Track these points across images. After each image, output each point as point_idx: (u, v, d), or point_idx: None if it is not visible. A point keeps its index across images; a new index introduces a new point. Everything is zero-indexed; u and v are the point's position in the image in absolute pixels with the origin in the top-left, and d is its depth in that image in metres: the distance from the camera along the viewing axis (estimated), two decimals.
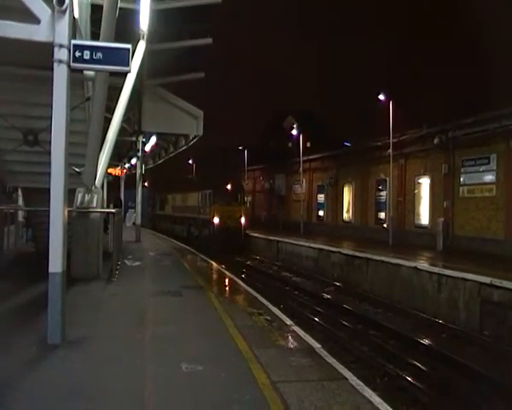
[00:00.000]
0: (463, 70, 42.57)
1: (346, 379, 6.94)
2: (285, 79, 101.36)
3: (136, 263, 18.79)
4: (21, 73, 11.40)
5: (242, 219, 35.87)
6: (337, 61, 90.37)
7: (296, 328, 9.91)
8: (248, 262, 30.47)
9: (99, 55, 8.00)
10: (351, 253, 23.04)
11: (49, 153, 7.81)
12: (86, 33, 12.23)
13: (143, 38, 17.28)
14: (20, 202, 22.02)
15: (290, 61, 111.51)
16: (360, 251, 22.75)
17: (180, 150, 32.47)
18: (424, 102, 41.23)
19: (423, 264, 18.58)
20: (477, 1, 35.59)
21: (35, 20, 7.64)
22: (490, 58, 36.08)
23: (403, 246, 25.85)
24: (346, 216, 37.53)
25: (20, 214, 23.95)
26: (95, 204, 14.65)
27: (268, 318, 10.58)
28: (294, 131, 43.89)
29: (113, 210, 18.30)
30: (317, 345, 8.63)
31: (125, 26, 14.40)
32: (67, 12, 7.69)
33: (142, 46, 17.22)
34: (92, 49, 8.02)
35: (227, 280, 16.93)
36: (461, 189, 24.97)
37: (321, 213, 41.22)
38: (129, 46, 8.33)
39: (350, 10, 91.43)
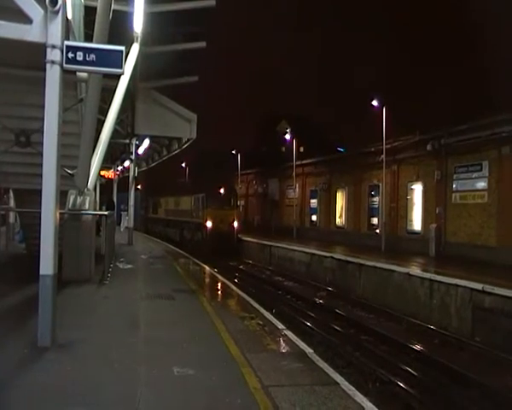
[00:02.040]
0: (462, 68, 42.72)
1: (338, 384, 6.91)
2: (280, 80, 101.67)
3: (129, 266, 18.72)
4: (13, 73, 11.35)
5: (235, 224, 35.85)
6: (335, 63, 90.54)
7: (288, 332, 9.88)
8: (241, 266, 30.44)
9: (92, 56, 7.95)
10: (343, 258, 23.04)
11: (42, 154, 7.76)
12: (79, 35, 12.18)
13: (137, 40, 17.24)
14: (12, 203, 21.92)
15: (286, 63, 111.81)
16: (353, 256, 22.76)
17: (173, 154, 32.39)
18: (423, 104, 41.42)
19: (415, 270, 18.60)
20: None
21: (27, 21, 7.60)
22: (490, 58, 36.20)
23: (395, 252, 25.88)
24: (338, 221, 37.52)
25: (12, 216, 23.84)
26: (87, 206, 14.60)
27: (260, 322, 10.55)
28: (288, 136, 43.94)
29: (106, 212, 18.24)
30: (309, 350, 8.60)
31: (118, 28, 14.34)
32: (60, 13, 7.65)
33: (135, 48, 17.18)
34: (85, 50, 7.97)
35: (219, 284, 16.89)
36: (453, 195, 25.01)
37: (314, 218, 41.20)
38: (122, 48, 8.29)
39: (350, 10, 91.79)
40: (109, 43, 10.05)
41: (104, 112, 16.55)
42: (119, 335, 8.90)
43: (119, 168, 37.60)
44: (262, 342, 8.96)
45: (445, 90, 42.24)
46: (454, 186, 24.96)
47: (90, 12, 12.40)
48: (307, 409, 5.97)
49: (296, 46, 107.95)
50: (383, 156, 28.29)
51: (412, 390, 10.02)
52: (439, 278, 16.51)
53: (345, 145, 42.94)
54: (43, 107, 7.72)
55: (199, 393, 6.36)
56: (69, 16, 9.03)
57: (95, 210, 16.24)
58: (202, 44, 20.67)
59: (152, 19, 17.24)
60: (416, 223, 28.35)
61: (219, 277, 18.68)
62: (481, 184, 23.38)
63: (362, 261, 21.30)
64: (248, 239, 36.05)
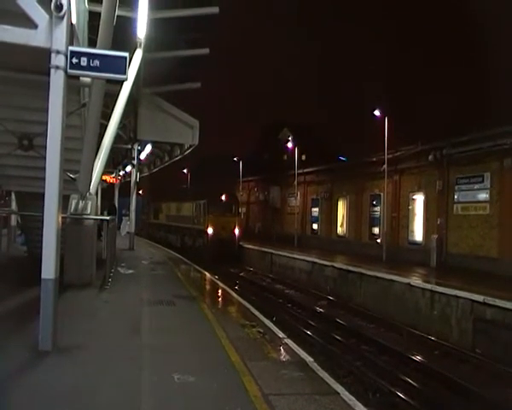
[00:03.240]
0: (463, 69, 42.63)
1: (338, 394, 6.89)
2: (282, 87, 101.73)
3: (130, 271, 18.70)
4: (17, 77, 11.36)
5: (236, 231, 35.88)
6: (336, 70, 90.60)
7: (289, 341, 9.86)
8: (242, 274, 30.43)
9: (96, 62, 7.99)
10: (344, 267, 23.01)
11: (44, 158, 7.77)
12: (83, 40, 12.21)
13: (140, 46, 17.28)
14: (14, 206, 21.93)
15: (288, 70, 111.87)
16: (354, 266, 22.72)
17: (175, 159, 32.43)
18: (424, 104, 41.34)
19: (416, 280, 18.56)
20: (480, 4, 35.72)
21: (32, 26, 7.62)
22: (491, 61, 36.13)
23: (396, 262, 25.80)
24: (340, 230, 37.45)
25: (14, 219, 23.84)
26: (89, 211, 14.60)
27: (261, 330, 10.53)
28: (290, 144, 43.93)
29: (107, 217, 18.23)
30: (309, 359, 8.58)
31: (122, 34, 14.37)
32: (65, 18, 7.68)
33: (138, 54, 17.21)
34: (89, 56, 8.00)
35: (220, 291, 16.89)
36: (455, 206, 24.97)
37: (315, 226, 41.11)
38: (126, 54, 8.32)
39: (350, 12, 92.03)
40: (113, 48, 10.08)
41: (107, 117, 16.56)
42: (119, 340, 8.88)
43: (121, 173, 37.62)
44: (262, 350, 8.94)
45: (447, 90, 42.26)
46: (456, 197, 24.92)
47: (94, 17, 12.44)
48: None
49: (296, 48, 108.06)
50: (385, 166, 28.27)
51: (412, 401, 9.99)
52: (440, 289, 16.47)
53: (346, 153, 42.89)
54: (46, 111, 7.73)
55: (199, 400, 6.34)
56: (73, 21, 9.05)
57: (96, 215, 16.23)
58: (205, 51, 20.72)
59: (155, 25, 17.29)
60: (418, 233, 28.30)
61: (220, 283, 18.67)
62: (483, 196, 23.34)
63: (363, 271, 21.27)
64: (249, 246, 36.01)
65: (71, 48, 7.88)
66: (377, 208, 32.03)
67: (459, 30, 44.25)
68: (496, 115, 24.47)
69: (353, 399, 6.77)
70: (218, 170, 58.32)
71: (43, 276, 7.64)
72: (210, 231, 34.85)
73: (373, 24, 78.28)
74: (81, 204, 14.52)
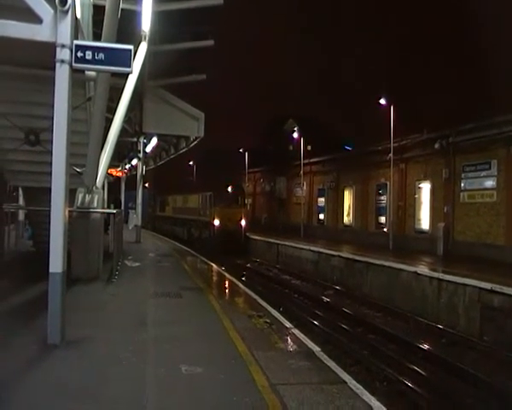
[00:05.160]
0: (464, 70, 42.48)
1: (346, 383, 6.92)
2: (286, 80, 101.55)
3: (136, 264, 18.77)
4: (23, 72, 11.41)
5: (243, 222, 35.90)
6: (339, 62, 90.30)
7: (296, 331, 9.91)
8: (248, 265, 30.44)
9: (101, 55, 8.01)
10: (351, 257, 23.01)
11: (51, 152, 7.80)
12: (88, 34, 12.23)
13: (145, 39, 17.26)
14: (21, 201, 22.03)
15: (292, 63, 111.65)
16: (360, 255, 22.73)
17: (181, 152, 32.44)
18: (428, 102, 41.17)
19: (423, 269, 18.55)
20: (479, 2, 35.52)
21: (37, 20, 7.64)
22: (491, 58, 35.89)
23: (403, 251, 25.82)
24: (346, 220, 37.43)
25: (21, 214, 23.95)
26: (95, 204, 14.64)
27: (268, 320, 10.57)
28: (295, 134, 43.85)
29: (114, 211, 18.28)
30: (316, 348, 8.62)
31: (126, 27, 14.39)
32: (70, 12, 7.69)
33: (143, 47, 17.21)
34: (94, 49, 8.03)
35: (227, 282, 16.93)
36: (461, 194, 24.91)
37: (321, 216, 41.11)
38: (131, 47, 8.34)
39: (351, 11, 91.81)
40: (117, 41, 10.11)
41: (112, 110, 16.58)
42: (126, 333, 8.93)
43: (127, 166, 37.68)
44: (270, 340, 8.97)
45: (447, 91, 42.13)
46: (462, 185, 24.86)
47: (98, 11, 12.46)
48: (315, 408, 5.98)
49: (297, 45, 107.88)
50: (391, 155, 28.20)
51: (420, 390, 10.01)
52: (447, 277, 16.45)
53: (353, 143, 42.83)
54: (52, 105, 7.75)
55: (207, 391, 6.38)
56: (78, 15, 9.07)
57: (103, 208, 16.28)
58: (210, 42, 20.68)
59: (160, 17, 17.28)
60: (424, 222, 28.24)
61: (227, 275, 18.72)
62: (490, 183, 23.27)
63: (369, 260, 21.27)
64: (256, 237, 36.03)
65: (76, 42, 7.90)
66: (383, 197, 31.99)
67: (459, 30, 44.04)
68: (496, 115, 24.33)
69: (361, 388, 6.80)
70: (224, 162, 58.31)
71: (50, 270, 7.69)
72: (216, 222, 34.90)
73: (372, 24, 78.12)
74: (88, 198, 14.57)
